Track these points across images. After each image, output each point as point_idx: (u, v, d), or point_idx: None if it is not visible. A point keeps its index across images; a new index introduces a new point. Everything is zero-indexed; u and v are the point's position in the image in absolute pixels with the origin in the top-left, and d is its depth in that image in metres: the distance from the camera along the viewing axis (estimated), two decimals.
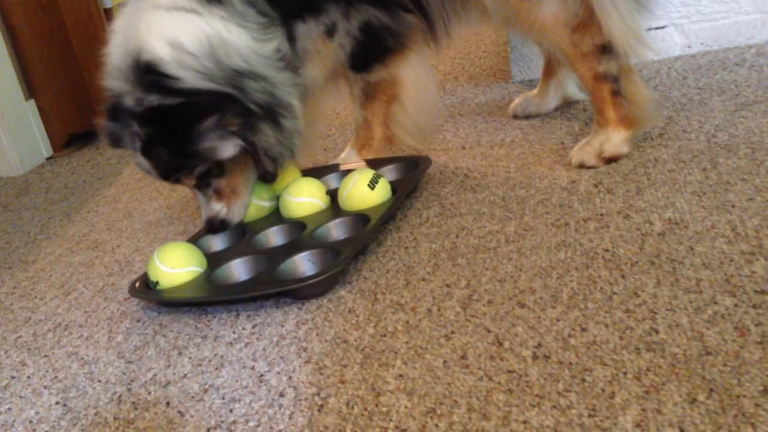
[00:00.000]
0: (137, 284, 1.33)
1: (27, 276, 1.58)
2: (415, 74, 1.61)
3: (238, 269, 1.34)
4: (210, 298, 1.27)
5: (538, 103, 1.87)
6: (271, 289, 1.22)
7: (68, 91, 2.63)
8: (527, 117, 1.87)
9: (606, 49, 1.45)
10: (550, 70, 1.85)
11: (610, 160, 1.48)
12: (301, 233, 1.40)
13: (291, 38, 1.45)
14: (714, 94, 1.74)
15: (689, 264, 1.07)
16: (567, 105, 1.89)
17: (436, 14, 1.58)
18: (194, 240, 1.47)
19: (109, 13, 2.64)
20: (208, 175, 1.39)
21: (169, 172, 1.37)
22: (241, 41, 1.33)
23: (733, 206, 1.21)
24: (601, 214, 1.28)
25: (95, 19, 2.53)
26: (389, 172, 1.58)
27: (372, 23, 1.51)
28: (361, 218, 1.39)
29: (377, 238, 1.38)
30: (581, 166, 1.49)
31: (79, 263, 1.59)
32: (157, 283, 1.30)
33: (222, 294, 1.28)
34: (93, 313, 1.34)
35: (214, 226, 1.43)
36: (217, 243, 1.49)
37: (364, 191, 1.42)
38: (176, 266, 1.30)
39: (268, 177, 1.44)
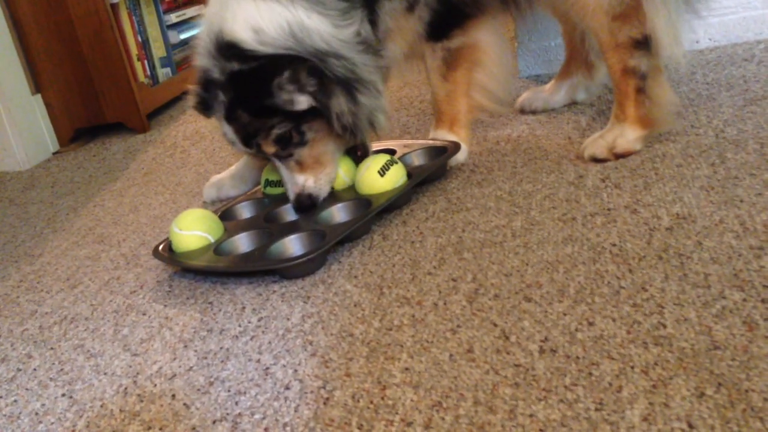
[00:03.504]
0: (161, 247, 1.44)
1: (33, 269, 1.58)
2: (494, 37, 1.61)
3: (243, 242, 1.42)
4: (203, 266, 1.35)
5: (546, 99, 1.87)
6: (258, 266, 1.30)
7: (74, 86, 2.63)
8: (533, 112, 1.87)
9: (640, 45, 1.45)
10: (568, 71, 1.87)
11: (621, 156, 1.47)
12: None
13: (372, 20, 1.46)
14: (722, 90, 1.73)
15: (697, 259, 1.07)
16: (572, 103, 1.88)
17: None
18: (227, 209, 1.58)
19: (115, 8, 2.64)
20: (289, 142, 1.40)
21: (248, 137, 1.41)
22: (322, 27, 1.37)
23: (741, 201, 1.20)
24: (609, 209, 1.27)
25: (102, 14, 2.53)
26: (417, 157, 1.61)
27: None
28: (364, 203, 1.41)
29: (383, 232, 1.37)
30: (593, 159, 1.49)
31: (85, 257, 1.59)
32: (170, 244, 1.42)
33: (215, 264, 1.35)
34: (99, 306, 1.34)
35: (302, 202, 1.44)
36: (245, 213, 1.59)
37: (373, 178, 1.44)
38: (183, 228, 1.41)
39: (354, 151, 1.50)
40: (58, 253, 1.65)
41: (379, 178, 1.43)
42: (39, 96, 2.58)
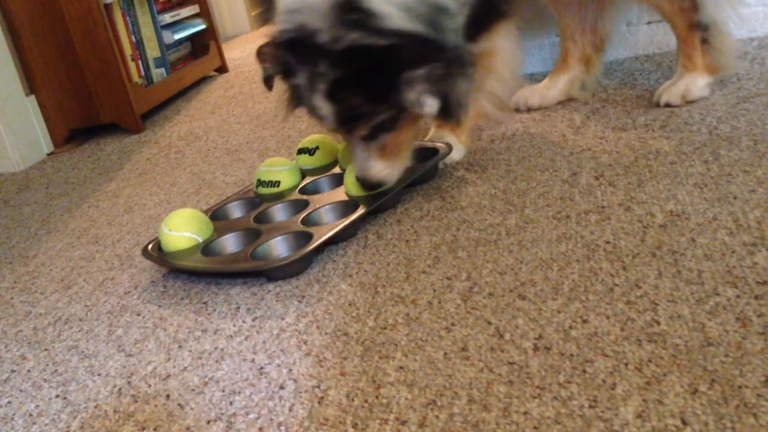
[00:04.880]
0: (150, 246, 1.43)
1: (27, 270, 1.58)
2: (511, 44, 1.61)
3: (230, 243, 1.42)
4: (190, 266, 1.36)
5: (543, 96, 1.88)
6: (242, 268, 1.30)
7: (69, 87, 2.63)
8: (529, 109, 1.87)
9: (700, 3, 1.63)
10: (565, 66, 1.88)
11: (692, 101, 1.66)
12: (298, 212, 1.45)
13: None
14: (716, 87, 1.73)
15: (691, 255, 1.07)
16: (567, 101, 1.89)
17: None
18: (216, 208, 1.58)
19: (109, 8, 2.63)
20: (383, 128, 1.34)
21: (349, 119, 1.30)
22: None
23: (734, 198, 1.20)
24: (603, 207, 1.27)
25: (95, 14, 2.53)
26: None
27: None
28: (352, 205, 1.41)
29: (378, 231, 1.37)
30: (667, 105, 1.66)
31: (80, 258, 1.58)
32: (159, 243, 1.42)
33: (202, 265, 1.34)
34: (93, 307, 1.33)
35: (371, 184, 1.39)
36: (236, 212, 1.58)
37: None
38: (172, 228, 1.40)
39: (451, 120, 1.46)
40: (53, 254, 1.64)
41: None
42: (33, 97, 2.58)
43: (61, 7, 2.52)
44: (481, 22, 1.50)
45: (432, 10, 1.28)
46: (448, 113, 1.37)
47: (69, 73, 2.61)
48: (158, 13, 3.02)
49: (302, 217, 1.41)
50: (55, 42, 2.57)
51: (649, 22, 2.13)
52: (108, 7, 2.63)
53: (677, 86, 1.68)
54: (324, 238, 1.30)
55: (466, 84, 1.38)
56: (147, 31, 2.93)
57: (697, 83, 1.67)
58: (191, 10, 3.36)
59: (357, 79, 1.24)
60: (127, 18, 2.79)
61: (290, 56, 1.28)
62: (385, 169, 1.38)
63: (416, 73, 1.24)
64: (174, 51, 3.16)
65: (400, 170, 1.42)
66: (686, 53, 1.68)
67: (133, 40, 2.82)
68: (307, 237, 1.32)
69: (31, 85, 2.58)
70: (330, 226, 1.35)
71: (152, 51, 2.96)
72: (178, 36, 3.12)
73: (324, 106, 1.28)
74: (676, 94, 1.67)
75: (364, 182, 1.39)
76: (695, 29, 1.65)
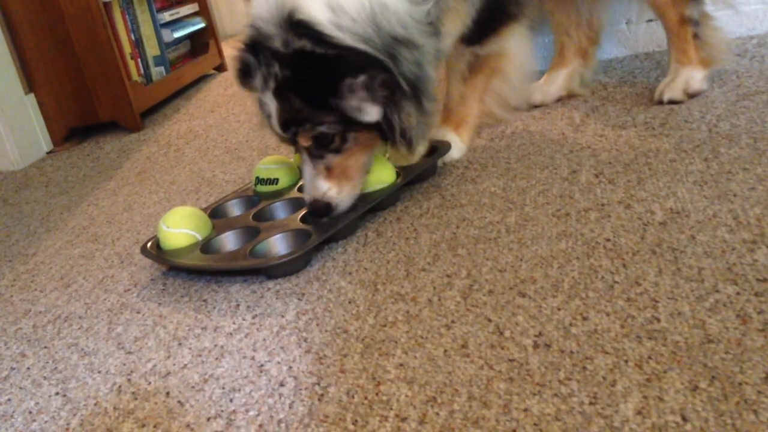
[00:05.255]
0: (148, 244, 1.43)
1: (27, 268, 1.57)
2: (520, 46, 1.60)
3: (229, 240, 1.42)
4: (188, 264, 1.35)
5: (545, 92, 1.89)
6: (241, 266, 1.30)
7: (68, 85, 2.62)
8: (532, 106, 1.88)
9: None
10: (563, 61, 1.90)
11: (693, 95, 1.68)
12: (297, 210, 1.45)
13: None
14: (715, 85, 1.73)
15: (691, 253, 1.07)
16: (568, 97, 1.89)
17: None
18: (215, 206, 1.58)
19: (108, 7, 2.63)
20: (327, 144, 1.31)
21: (290, 122, 1.29)
22: (401, 5, 1.27)
23: (734, 195, 1.20)
24: (602, 204, 1.27)
25: (95, 13, 2.52)
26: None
27: None
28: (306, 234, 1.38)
29: (377, 229, 1.37)
30: (671, 102, 1.68)
31: (79, 256, 1.58)
32: (158, 241, 1.42)
33: (200, 262, 1.34)
34: (93, 304, 1.33)
35: (318, 209, 1.35)
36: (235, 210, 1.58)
37: None
38: (171, 226, 1.40)
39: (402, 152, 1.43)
40: (52, 252, 1.64)
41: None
42: (32, 95, 2.58)
43: (61, 5, 2.52)
44: (487, 25, 1.51)
45: (389, 40, 1.25)
46: (394, 141, 1.33)
47: (68, 71, 2.61)
48: (157, 12, 3.02)
49: (302, 214, 1.40)
50: (54, 40, 2.56)
51: (649, 20, 2.13)
52: (107, 6, 2.62)
53: (677, 82, 1.69)
54: (323, 236, 1.30)
55: (420, 117, 1.32)
56: (146, 30, 2.93)
57: (695, 76, 1.68)
58: (191, 8, 3.35)
59: (301, 81, 1.26)
60: (127, 16, 2.79)
61: (251, 58, 1.31)
62: (332, 191, 1.33)
63: (357, 81, 1.23)
64: (173, 49, 3.15)
65: (351, 196, 1.36)
66: (680, 47, 1.70)
67: (133, 38, 2.82)
68: (307, 235, 1.32)
69: (30, 84, 2.58)
70: (329, 223, 1.35)
71: (151, 49, 2.96)
72: (177, 34, 3.12)
73: (271, 104, 1.29)
74: (677, 89, 1.68)
75: (311, 204, 1.35)
76: (686, 23, 1.67)
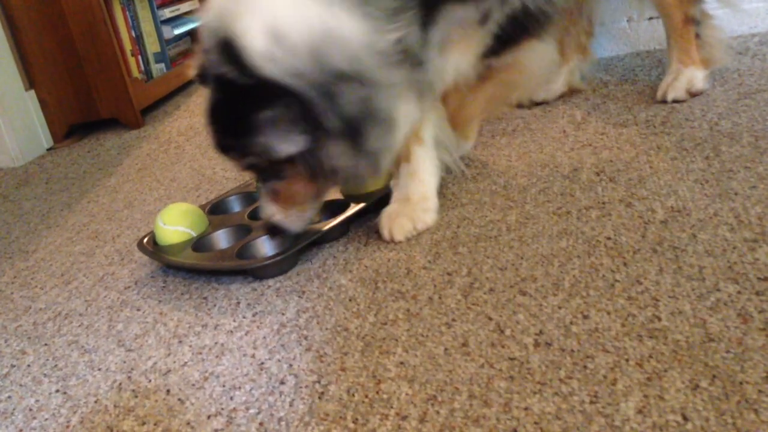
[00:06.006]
0: (145, 240, 1.44)
1: (27, 265, 1.57)
2: (537, 61, 1.48)
3: (221, 239, 1.42)
4: (178, 262, 1.36)
5: (548, 89, 1.89)
6: (227, 266, 1.30)
7: (68, 82, 2.62)
8: (536, 104, 1.88)
9: None
10: (562, 57, 1.88)
11: (695, 95, 1.68)
12: None
13: (428, 23, 1.19)
14: (716, 83, 1.73)
15: (692, 251, 1.07)
16: (570, 94, 1.88)
17: None
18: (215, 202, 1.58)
19: (108, 4, 2.63)
20: (264, 173, 1.23)
21: (222, 147, 1.22)
22: (354, 35, 1.09)
23: (736, 194, 1.20)
24: (603, 203, 1.27)
25: (95, 9, 2.52)
26: None
27: (527, 8, 1.33)
28: (343, 205, 1.40)
29: (378, 228, 1.37)
30: (675, 101, 1.68)
31: (80, 253, 1.58)
32: (154, 237, 1.43)
33: (188, 262, 1.35)
34: (93, 302, 1.33)
35: (269, 229, 1.29)
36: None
37: None
38: (167, 222, 1.41)
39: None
40: (53, 249, 1.64)
41: None
42: (32, 92, 2.57)
43: (61, 2, 2.51)
44: (505, 42, 1.39)
45: (328, 75, 1.09)
46: (320, 180, 1.23)
47: (69, 68, 2.60)
48: (158, 8, 3.02)
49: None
50: (54, 37, 2.56)
51: (650, 18, 2.13)
52: (108, 2, 2.62)
53: (680, 81, 1.69)
54: (309, 239, 1.30)
55: (358, 158, 1.18)
56: (147, 26, 2.92)
57: (698, 76, 1.69)
58: (191, 5, 3.35)
59: (223, 110, 1.18)
60: (127, 13, 2.78)
61: (199, 80, 1.24)
62: (278, 216, 1.26)
63: (265, 115, 1.11)
64: (174, 46, 3.15)
65: (301, 220, 1.27)
66: (682, 47, 1.70)
67: (133, 35, 2.81)
68: (294, 235, 1.31)
69: (30, 80, 2.58)
70: (318, 225, 1.35)
71: (152, 46, 2.95)
72: (178, 31, 3.12)
73: (209, 127, 1.23)
74: (680, 89, 1.68)
75: (266, 227, 1.30)
76: (690, 23, 1.67)
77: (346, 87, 1.11)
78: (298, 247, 1.28)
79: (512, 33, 1.37)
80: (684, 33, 1.68)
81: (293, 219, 1.25)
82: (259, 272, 1.27)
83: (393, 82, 1.15)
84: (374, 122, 1.15)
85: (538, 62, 1.48)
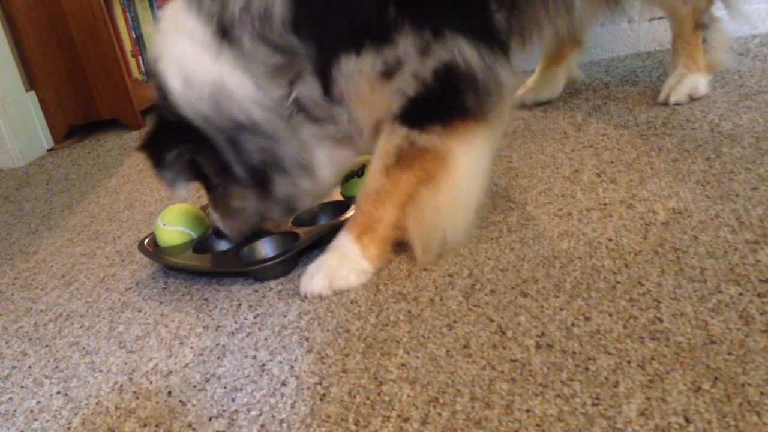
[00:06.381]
0: (146, 241, 1.44)
1: (28, 267, 1.57)
2: (472, 158, 1.18)
3: (219, 241, 1.41)
4: (176, 264, 1.36)
5: (551, 88, 1.91)
6: (229, 268, 1.31)
7: (69, 82, 2.62)
8: (538, 104, 1.89)
9: (711, 3, 1.68)
10: (560, 54, 1.90)
11: (695, 99, 1.68)
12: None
13: (326, 77, 1.13)
14: (717, 85, 1.73)
15: (693, 253, 1.07)
16: (570, 86, 1.90)
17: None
18: None
19: (109, 4, 2.63)
20: (207, 187, 1.29)
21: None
22: (244, 89, 1.12)
23: (737, 195, 1.20)
24: (604, 204, 1.27)
25: (95, 10, 2.52)
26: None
27: (456, 66, 1.11)
28: (343, 206, 1.40)
29: None
30: (676, 103, 1.68)
31: (81, 254, 1.58)
32: (155, 238, 1.43)
33: (187, 263, 1.35)
34: (94, 303, 1.33)
35: (215, 230, 1.37)
36: None
37: (355, 180, 1.42)
38: (167, 223, 1.41)
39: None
40: (53, 250, 1.64)
41: (358, 179, 1.41)
42: (33, 93, 2.57)
43: (62, 2, 2.51)
44: (433, 108, 1.15)
45: (230, 123, 1.13)
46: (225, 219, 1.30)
47: (69, 68, 2.60)
48: (159, 9, 3.02)
49: (293, 216, 1.40)
50: (55, 38, 2.56)
51: (650, 19, 2.13)
52: (108, 3, 2.62)
53: (683, 85, 1.69)
54: (308, 240, 1.29)
55: (265, 203, 1.23)
56: (147, 27, 2.92)
57: (701, 82, 1.69)
58: None
59: (151, 137, 1.22)
60: (128, 14, 2.78)
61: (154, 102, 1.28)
62: (219, 224, 1.33)
63: (170, 154, 1.17)
64: None
65: (234, 233, 1.33)
66: (689, 53, 1.70)
67: (134, 35, 2.81)
68: (294, 237, 1.32)
69: (31, 81, 2.58)
70: (317, 227, 1.35)
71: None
72: None
73: (140, 149, 1.27)
74: (683, 93, 1.68)
75: (214, 228, 1.37)
76: (699, 29, 1.68)
77: (247, 137, 1.14)
78: (298, 249, 1.28)
79: (441, 100, 1.14)
80: (692, 39, 1.69)
81: (227, 229, 1.32)
82: (259, 274, 1.27)
83: (295, 134, 1.15)
84: (280, 171, 1.18)
85: (472, 160, 1.18)
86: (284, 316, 1.14)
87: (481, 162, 1.20)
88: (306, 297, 1.18)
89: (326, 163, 1.21)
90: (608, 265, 1.08)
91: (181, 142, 1.17)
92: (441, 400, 0.87)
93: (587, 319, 0.97)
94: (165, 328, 1.19)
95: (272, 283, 1.25)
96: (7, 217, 1.96)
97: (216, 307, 1.22)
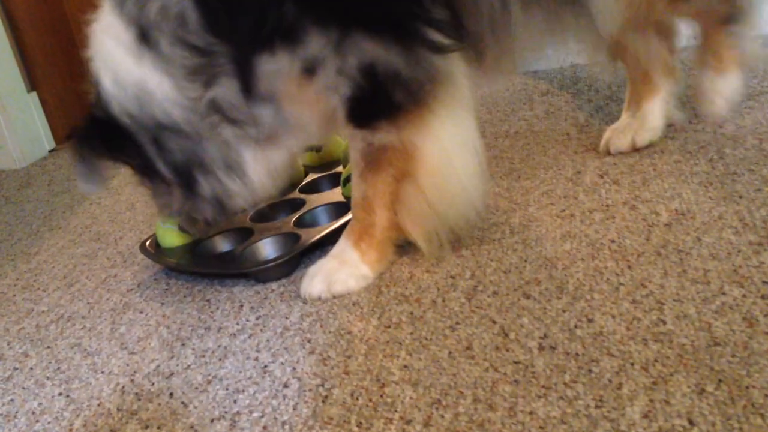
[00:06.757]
0: (147, 242, 1.45)
1: (30, 268, 1.57)
2: (441, 145, 1.15)
3: (222, 241, 1.42)
4: (178, 266, 1.37)
5: (654, 128, 1.52)
6: (230, 270, 1.31)
7: (70, 84, 2.62)
8: (635, 150, 1.51)
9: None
10: (652, 88, 1.52)
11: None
12: (293, 212, 1.44)
13: (246, 78, 1.11)
14: None
15: (696, 255, 1.06)
16: (574, 100, 1.88)
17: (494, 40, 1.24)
18: None
19: None
20: None
21: None
22: (164, 91, 1.11)
23: (740, 197, 1.20)
24: (607, 205, 1.27)
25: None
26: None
27: (375, 65, 1.09)
28: (345, 207, 1.39)
29: None
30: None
31: (82, 255, 1.58)
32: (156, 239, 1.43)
33: (188, 265, 1.36)
34: (96, 304, 1.33)
35: (179, 226, 1.39)
36: None
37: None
38: (167, 223, 1.39)
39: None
40: (55, 251, 1.64)
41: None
42: (34, 93, 2.57)
43: (63, 3, 2.51)
44: (369, 106, 1.13)
45: (152, 122, 1.14)
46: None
47: (71, 69, 2.60)
48: None
49: (295, 218, 1.40)
50: (56, 38, 2.56)
51: None
52: None
53: (718, 91, 1.47)
54: (309, 242, 1.29)
55: (194, 202, 1.21)
56: None
57: (731, 82, 1.47)
58: None
59: (83, 132, 1.21)
60: None
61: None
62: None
63: (90, 151, 1.18)
64: None
65: (193, 231, 1.34)
66: (717, 53, 1.46)
67: None
68: (295, 239, 1.32)
69: (32, 82, 2.58)
70: (318, 229, 1.34)
71: None
72: None
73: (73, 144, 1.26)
74: (721, 101, 1.48)
75: None
76: (727, 28, 1.45)
77: (169, 137, 1.15)
78: (299, 251, 1.28)
79: (374, 98, 1.11)
80: (718, 34, 1.47)
81: (185, 224, 1.32)
82: (260, 275, 1.27)
83: (216, 135, 1.14)
84: (204, 170, 1.17)
85: (442, 147, 1.15)
86: (286, 318, 1.14)
87: (452, 145, 1.16)
88: (306, 299, 1.18)
89: (255, 164, 1.19)
90: (611, 267, 1.08)
91: (112, 140, 1.17)
92: (444, 402, 0.87)
93: (590, 320, 0.97)
94: (167, 329, 1.19)
95: (274, 285, 1.25)
96: (9, 218, 1.96)
97: (218, 308, 1.22)
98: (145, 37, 1.10)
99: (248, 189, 1.21)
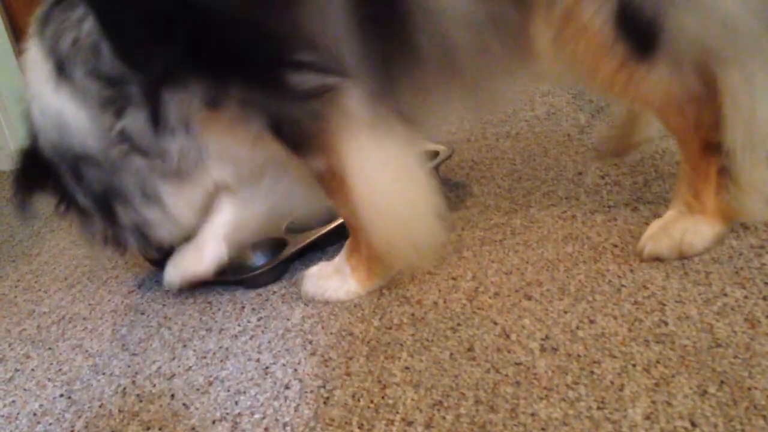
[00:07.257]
0: None
1: (31, 269, 1.57)
2: (368, 162, 1.09)
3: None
4: None
5: (644, 129, 1.41)
6: (220, 278, 1.27)
7: None
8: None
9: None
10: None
11: (686, 257, 1.08)
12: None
13: (155, 108, 1.09)
14: None
15: (698, 258, 1.06)
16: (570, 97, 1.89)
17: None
18: None
19: None
20: None
21: None
22: (78, 121, 1.12)
23: None
24: (609, 207, 1.27)
25: None
26: None
27: (261, 106, 1.08)
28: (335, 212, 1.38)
29: None
30: (656, 258, 1.10)
31: (83, 256, 1.58)
32: None
33: None
34: (97, 305, 1.33)
35: None
36: None
37: None
38: None
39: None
40: (56, 252, 1.64)
41: None
42: None
43: None
44: (292, 131, 1.10)
45: (72, 156, 1.15)
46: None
47: None
48: None
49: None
50: None
51: None
52: None
53: (671, 233, 1.08)
54: (297, 248, 1.29)
55: (116, 230, 1.21)
56: None
57: (701, 232, 1.08)
58: None
59: (20, 160, 1.24)
60: None
61: None
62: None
63: (24, 182, 1.21)
64: None
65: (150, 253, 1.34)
66: (694, 185, 1.10)
67: None
68: (283, 245, 1.31)
69: None
70: (306, 234, 1.33)
71: None
72: None
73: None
74: (667, 244, 1.08)
75: None
76: (712, 153, 1.07)
77: (86, 167, 1.15)
78: (285, 257, 1.28)
79: (295, 123, 1.08)
80: (700, 165, 1.10)
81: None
82: (249, 282, 1.27)
83: (129, 166, 1.14)
84: (121, 200, 1.17)
85: (369, 164, 1.09)
86: (287, 320, 1.14)
87: (381, 174, 1.10)
88: (303, 298, 1.19)
89: (173, 196, 1.18)
90: (613, 269, 1.08)
91: (33, 170, 1.19)
92: (445, 404, 0.87)
93: (592, 322, 0.97)
94: (168, 330, 1.19)
95: (275, 287, 1.25)
96: (10, 218, 1.96)
97: (219, 309, 1.22)
98: (61, 68, 1.11)
99: (169, 219, 1.20)
